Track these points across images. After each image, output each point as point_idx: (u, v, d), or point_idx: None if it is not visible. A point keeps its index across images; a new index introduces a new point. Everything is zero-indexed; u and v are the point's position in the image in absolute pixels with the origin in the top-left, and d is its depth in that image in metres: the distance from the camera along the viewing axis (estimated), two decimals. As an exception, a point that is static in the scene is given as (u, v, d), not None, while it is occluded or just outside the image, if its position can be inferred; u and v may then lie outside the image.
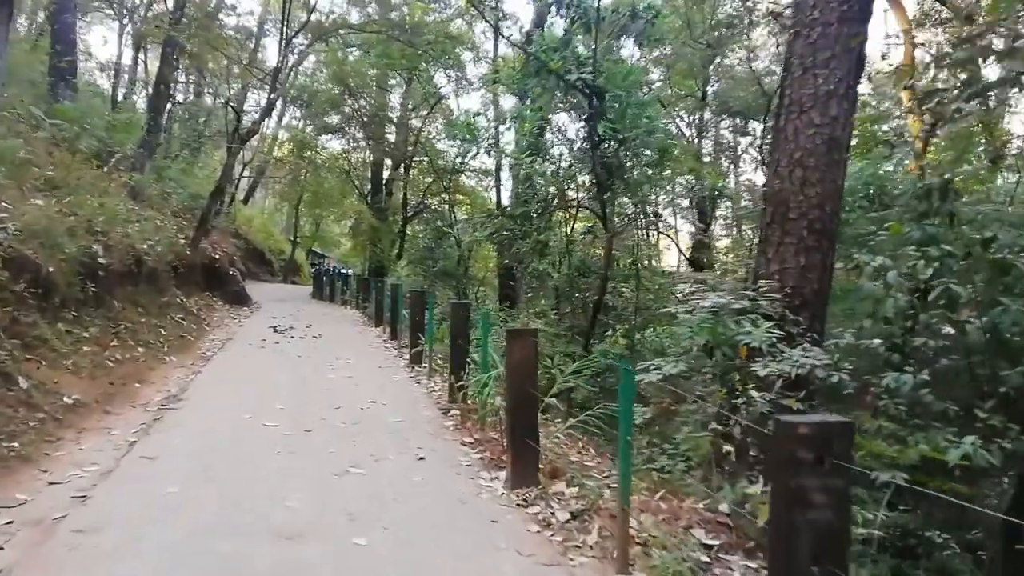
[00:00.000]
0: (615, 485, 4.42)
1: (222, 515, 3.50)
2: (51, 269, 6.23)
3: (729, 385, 4.82)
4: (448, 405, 6.43)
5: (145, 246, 9.53)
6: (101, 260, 7.47)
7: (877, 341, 4.76)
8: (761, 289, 4.73)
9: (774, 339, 4.22)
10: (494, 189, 25.49)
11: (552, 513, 3.78)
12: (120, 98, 22.42)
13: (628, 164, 7.34)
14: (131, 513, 3.47)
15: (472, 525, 3.60)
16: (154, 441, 4.77)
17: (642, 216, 11.88)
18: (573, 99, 7.65)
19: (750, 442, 4.66)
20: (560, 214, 13.64)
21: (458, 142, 23.77)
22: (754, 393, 4.55)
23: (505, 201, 21.69)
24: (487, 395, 4.79)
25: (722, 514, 3.74)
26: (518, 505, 3.92)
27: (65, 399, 5.28)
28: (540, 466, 4.29)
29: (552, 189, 9.14)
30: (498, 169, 23.02)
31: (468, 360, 6.13)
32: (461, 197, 24.56)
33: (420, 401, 6.72)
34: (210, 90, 27.23)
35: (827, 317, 5.94)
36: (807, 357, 4.05)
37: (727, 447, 3.96)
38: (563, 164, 7.84)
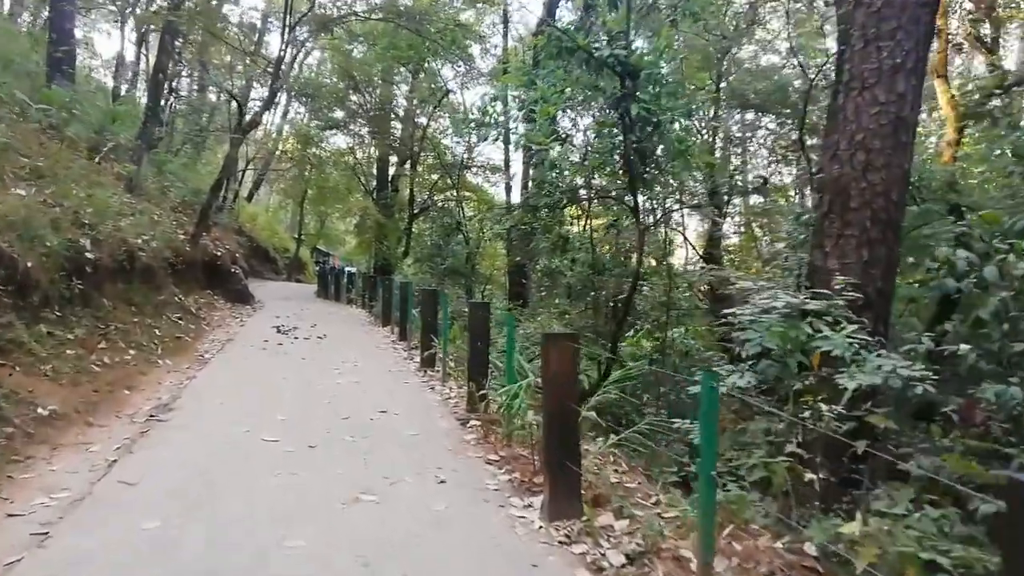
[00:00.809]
0: (670, 514, 3.83)
1: (207, 562, 2.90)
2: (29, 264, 5.64)
3: (789, 396, 4.22)
4: (466, 415, 5.83)
5: (139, 241, 8.94)
6: (88, 255, 6.89)
7: (965, 347, 4.13)
8: (836, 287, 4.10)
9: (857, 346, 3.59)
10: (501, 185, 24.97)
11: (602, 554, 3.17)
12: (123, 93, 21.92)
13: (661, 151, 6.73)
14: (97, 558, 2.88)
15: (509, 572, 2.99)
16: (137, 461, 4.17)
17: (681, 207, 11.19)
18: (599, 81, 7.02)
19: (819, 462, 4.05)
20: (572, 209, 13.06)
21: (466, 136, 23.24)
22: (822, 406, 3.94)
23: (515, 198, 21.12)
24: (517, 408, 4.18)
25: (808, 556, 3.12)
26: (560, 543, 3.31)
27: (40, 410, 4.69)
28: (581, 492, 3.68)
29: (577, 179, 8.48)
30: (507, 164, 22.44)
31: (490, 366, 5.53)
32: (467, 193, 23.98)
33: (435, 410, 6.12)
34: (213, 88, 26.67)
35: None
36: (901, 367, 3.43)
37: (809, 474, 3.33)
38: (589, 151, 7.22)
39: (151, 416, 5.27)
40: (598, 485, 3.94)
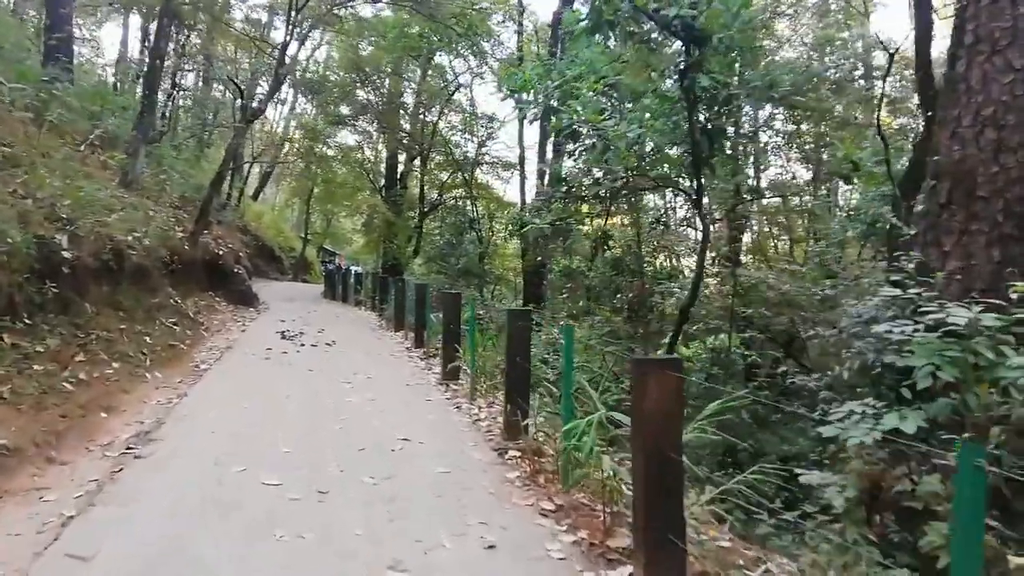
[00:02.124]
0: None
1: None
2: (-14, 265, 4.75)
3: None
4: (503, 443, 4.91)
5: (129, 238, 8.05)
6: (65, 253, 5.99)
7: None
8: (1014, 296, 3.15)
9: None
10: (512, 183, 24.06)
11: None
12: (126, 88, 21.13)
13: (731, 131, 5.82)
14: None
15: None
16: (98, 519, 3.26)
17: (750, 197, 10.15)
18: (649, 56, 6.09)
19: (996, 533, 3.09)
20: (589, 206, 12.16)
21: (479, 132, 22.31)
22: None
23: (529, 197, 20.24)
24: (587, 452, 3.25)
25: None
26: (670, 654, 2.38)
27: (-14, 446, 3.80)
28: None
29: (620, 166, 7.55)
30: (522, 160, 21.50)
31: (535, 388, 4.60)
32: (477, 191, 23.12)
33: (466, 436, 5.19)
34: (218, 84, 25.83)
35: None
36: None
37: (1017, 559, 2.40)
38: (642, 133, 6.32)
39: (128, 448, 4.36)
40: (700, 555, 3.01)
